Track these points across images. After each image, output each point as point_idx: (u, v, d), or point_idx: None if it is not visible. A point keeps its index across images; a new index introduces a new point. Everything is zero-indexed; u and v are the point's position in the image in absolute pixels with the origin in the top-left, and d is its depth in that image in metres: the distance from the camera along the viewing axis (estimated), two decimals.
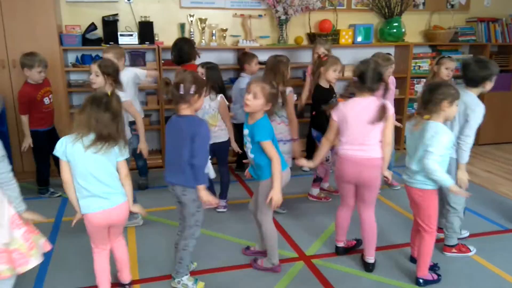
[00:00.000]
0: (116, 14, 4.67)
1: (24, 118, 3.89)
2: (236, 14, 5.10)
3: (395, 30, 5.40)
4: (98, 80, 3.14)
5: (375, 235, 2.81)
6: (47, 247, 2.22)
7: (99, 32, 4.67)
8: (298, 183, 4.24)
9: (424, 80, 5.63)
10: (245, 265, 2.92)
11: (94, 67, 3.17)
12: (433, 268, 2.82)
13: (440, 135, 2.46)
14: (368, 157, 2.65)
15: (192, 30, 4.95)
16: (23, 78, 3.93)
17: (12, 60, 4.22)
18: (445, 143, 2.46)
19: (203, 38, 4.96)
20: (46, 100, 3.97)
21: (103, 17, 4.62)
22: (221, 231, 3.39)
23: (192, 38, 4.87)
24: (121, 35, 4.61)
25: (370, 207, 2.80)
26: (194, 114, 2.53)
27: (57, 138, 3.37)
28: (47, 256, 2.78)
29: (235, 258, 2.98)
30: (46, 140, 3.94)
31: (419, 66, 5.67)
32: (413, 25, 5.68)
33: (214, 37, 4.95)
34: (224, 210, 3.74)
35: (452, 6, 5.83)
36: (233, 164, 4.80)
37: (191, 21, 4.94)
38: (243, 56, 4.51)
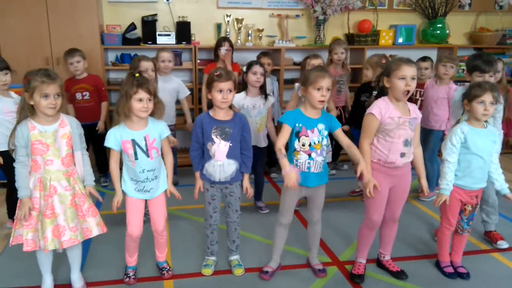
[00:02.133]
0: (155, 14, 4.73)
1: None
2: (272, 14, 5.07)
3: (438, 32, 5.22)
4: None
5: None
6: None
7: (138, 32, 4.74)
8: (331, 187, 4.14)
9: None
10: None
11: (150, 64, 3.55)
12: (461, 276, 2.77)
13: (450, 133, 2.67)
14: None
15: (228, 30, 4.95)
16: (67, 75, 4.06)
17: (56, 58, 4.36)
18: (452, 140, 2.59)
19: (239, 38, 4.94)
20: (78, 96, 4.09)
21: (142, 17, 4.70)
22: (256, 232, 3.36)
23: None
24: (159, 35, 4.67)
25: None
26: None
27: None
28: (85, 246, 2.84)
29: (267, 260, 2.89)
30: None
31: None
32: (457, 27, 5.47)
33: (250, 37, 4.94)
34: (267, 210, 3.71)
35: (501, 7, 5.57)
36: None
37: (228, 21, 4.95)
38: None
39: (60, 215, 2.34)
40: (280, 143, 2.47)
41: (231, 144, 2.57)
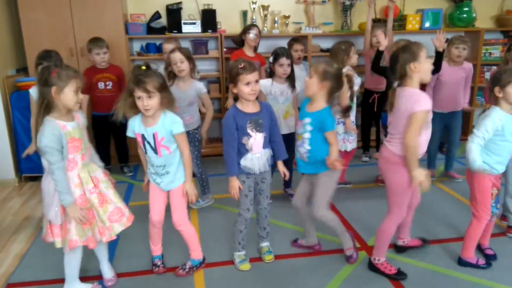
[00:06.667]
0: (180, 3, 4.72)
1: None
2: (299, 0, 5.01)
3: (465, 15, 5.13)
4: (184, 66, 3.21)
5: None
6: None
7: (163, 21, 4.74)
8: (359, 172, 4.15)
9: (494, 67, 5.31)
10: (307, 253, 2.92)
11: (178, 55, 3.18)
12: (489, 258, 2.81)
13: (487, 117, 2.51)
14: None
15: (254, 17, 4.93)
16: (88, 64, 4.18)
17: (80, 49, 4.37)
18: (487, 126, 2.49)
19: (265, 25, 4.91)
20: (101, 85, 4.14)
21: (167, 6, 4.69)
22: (286, 220, 3.39)
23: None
24: (185, 23, 4.65)
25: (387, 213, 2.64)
26: None
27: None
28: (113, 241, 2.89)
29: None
30: (101, 124, 4.16)
31: (490, 53, 5.36)
32: (484, 10, 5.35)
33: (276, 24, 4.91)
34: None
35: None
36: None
37: (254, 8, 4.91)
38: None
39: (111, 200, 2.36)
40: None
41: (265, 134, 2.58)
